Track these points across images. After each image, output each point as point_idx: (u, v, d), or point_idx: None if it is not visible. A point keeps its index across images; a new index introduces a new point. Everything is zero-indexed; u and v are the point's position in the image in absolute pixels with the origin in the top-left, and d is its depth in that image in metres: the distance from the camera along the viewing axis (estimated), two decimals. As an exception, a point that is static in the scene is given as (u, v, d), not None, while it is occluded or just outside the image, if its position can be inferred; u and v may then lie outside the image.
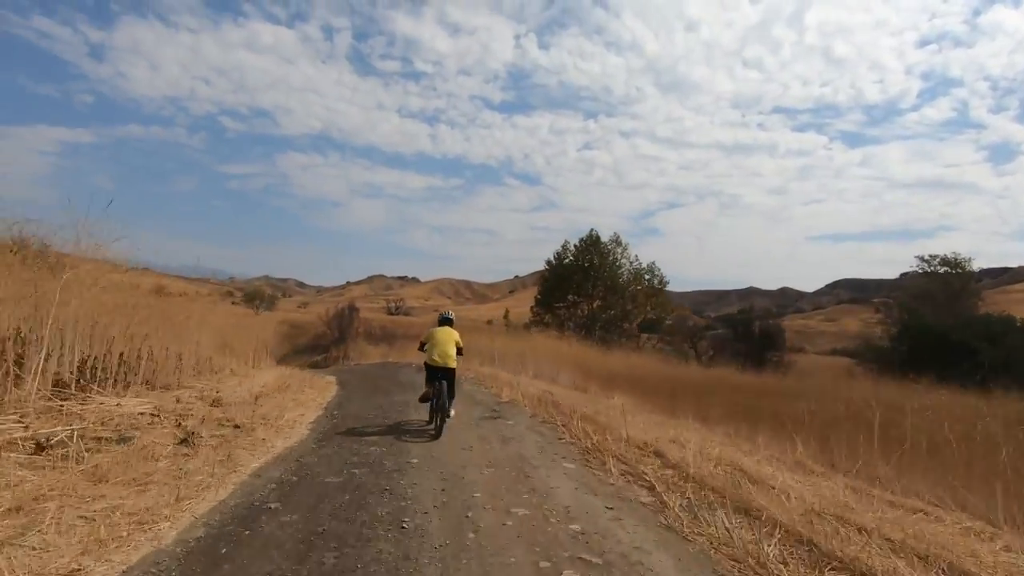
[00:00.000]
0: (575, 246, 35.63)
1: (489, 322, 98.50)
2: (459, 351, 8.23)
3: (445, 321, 8.66)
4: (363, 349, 30.82)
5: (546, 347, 19.31)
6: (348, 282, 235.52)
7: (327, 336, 57.70)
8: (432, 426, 7.82)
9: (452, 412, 8.26)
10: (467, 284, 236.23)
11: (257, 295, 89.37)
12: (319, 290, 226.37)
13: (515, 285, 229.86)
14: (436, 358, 7.93)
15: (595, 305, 33.95)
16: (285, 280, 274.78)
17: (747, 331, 31.31)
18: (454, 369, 8.11)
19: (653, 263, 34.58)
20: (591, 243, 34.46)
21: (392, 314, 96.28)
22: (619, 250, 34.26)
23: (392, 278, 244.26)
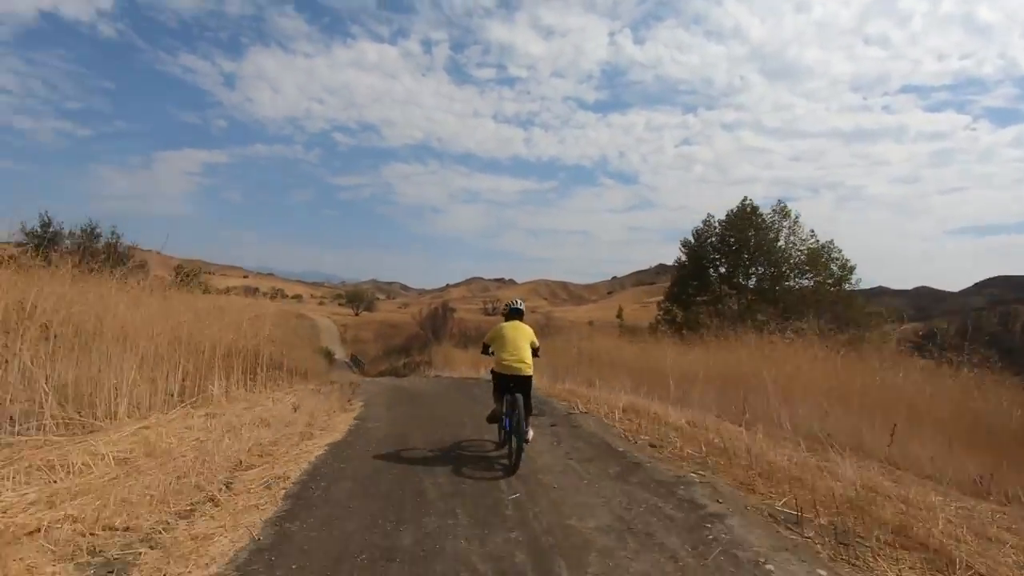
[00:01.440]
0: (720, 222, 26.68)
1: (590, 323, 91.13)
2: (535, 352, 6.03)
3: (514, 313, 6.32)
4: (450, 355, 23.96)
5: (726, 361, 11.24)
6: (447, 284, 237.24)
7: (421, 337, 52.63)
8: (504, 452, 5.74)
9: (530, 433, 5.80)
10: (563, 285, 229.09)
11: (358, 296, 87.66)
12: (421, 292, 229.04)
13: (613, 286, 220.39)
14: (507, 362, 5.79)
15: (749, 297, 24.81)
16: (391, 283, 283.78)
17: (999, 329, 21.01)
18: (531, 377, 5.86)
19: (831, 242, 24.84)
20: (746, 214, 25.51)
21: (489, 314, 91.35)
22: (786, 223, 25.05)
23: (489, 280, 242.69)
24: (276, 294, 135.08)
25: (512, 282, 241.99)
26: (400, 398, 11.16)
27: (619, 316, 56.78)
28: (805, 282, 25.26)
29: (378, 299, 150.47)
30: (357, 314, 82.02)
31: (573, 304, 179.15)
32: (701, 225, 27.41)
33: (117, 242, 29.93)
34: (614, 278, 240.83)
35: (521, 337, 5.93)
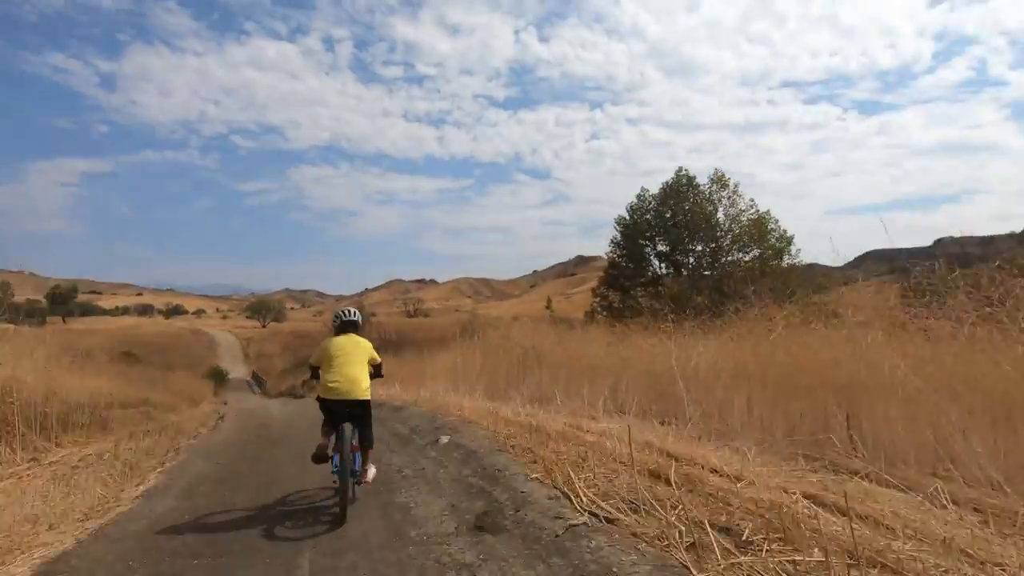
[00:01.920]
0: (655, 196, 24.21)
1: (515, 318, 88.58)
2: (375, 372, 4.79)
3: (348, 326, 4.79)
4: None
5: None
6: (366, 289, 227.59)
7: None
8: (335, 500, 4.43)
9: (372, 472, 4.71)
10: (486, 282, 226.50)
11: (264, 307, 80.00)
12: (338, 299, 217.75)
13: (535, 280, 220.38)
14: (335, 385, 4.43)
15: (690, 271, 22.52)
16: (305, 291, 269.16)
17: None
18: (367, 402, 4.56)
19: (768, 212, 22.99)
20: (681, 185, 23.14)
21: (411, 316, 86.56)
22: (724, 193, 22.91)
23: (410, 282, 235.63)
24: (173, 311, 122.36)
25: (433, 282, 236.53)
26: (250, 442, 7.33)
27: (548, 307, 53.96)
28: (745, 257, 23.29)
29: (292, 309, 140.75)
30: (264, 326, 74.53)
31: (497, 300, 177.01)
32: (635, 201, 24.83)
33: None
34: (535, 272, 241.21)
35: (355, 353, 4.64)
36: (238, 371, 45.17)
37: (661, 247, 24.30)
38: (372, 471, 4.74)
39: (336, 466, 4.37)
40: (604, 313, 25.26)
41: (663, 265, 24.66)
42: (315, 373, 4.81)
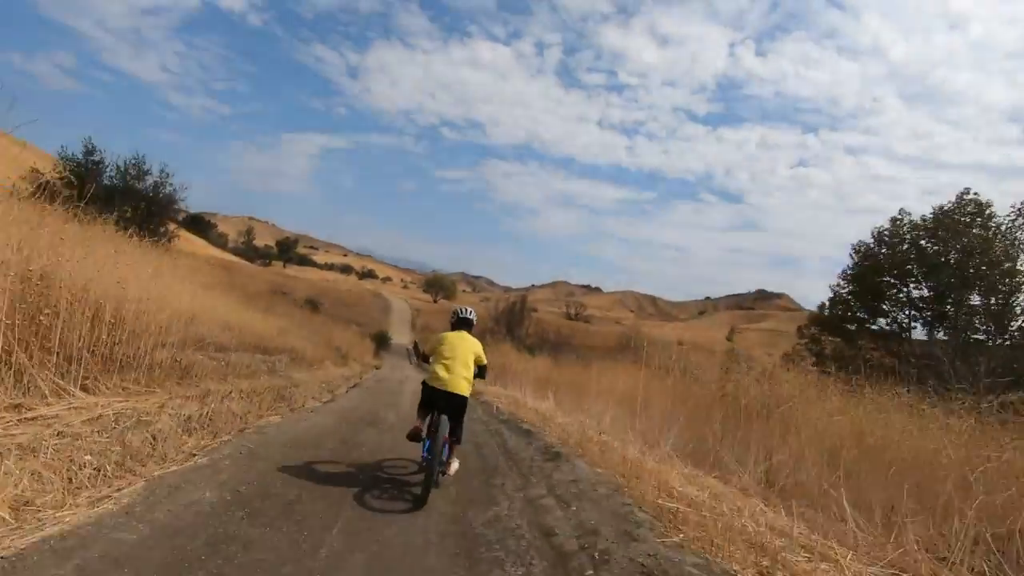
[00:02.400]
0: (919, 222, 18.12)
1: (680, 343, 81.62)
2: (480, 372, 5.00)
3: (462, 323, 5.13)
4: (509, 362, 17.32)
5: None
6: (532, 284, 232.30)
7: (493, 332, 47.05)
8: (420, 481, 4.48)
9: (455, 466, 4.93)
10: (652, 299, 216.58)
11: (437, 283, 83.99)
12: (506, 289, 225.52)
13: (705, 307, 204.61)
14: (441, 376, 4.63)
15: (954, 329, 16.40)
16: (479, 277, 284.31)
17: None
18: (466, 399, 4.73)
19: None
20: (965, 212, 16.84)
21: (570, 319, 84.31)
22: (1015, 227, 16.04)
23: (575, 285, 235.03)
24: (367, 274, 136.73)
25: (598, 289, 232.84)
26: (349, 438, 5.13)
27: (730, 338, 47.24)
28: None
29: (463, 291, 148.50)
30: (435, 301, 78.32)
31: (660, 319, 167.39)
32: (887, 225, 18.88)
33: (166, 182, 26.36)
34: (707, 298, 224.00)
35: (464, 350, 4.80)
36: (402, 337, 46.98)
37: (916, 291, 18.15)
38: (455, 464, 4.92)
39: (427, 451, 4.51)
40: (813, 360, 19.89)
41: (911, 314, 18.48)
42: (425, 359, 5.03)
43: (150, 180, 24.50)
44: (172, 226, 25.65)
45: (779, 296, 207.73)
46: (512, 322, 46.15)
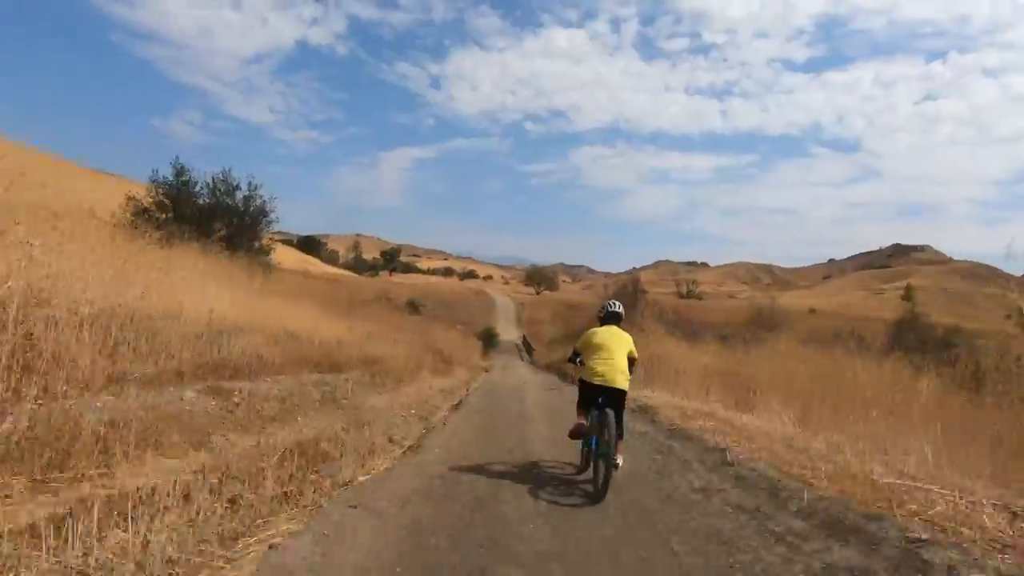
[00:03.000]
0: None
1: (812, 311, 71.93)
2: (631, 364, 4.93)
3: (611, 318, 5.18)
4: (664, 347, 13.37)
5: None
6: (634, 268, 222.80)
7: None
8: (589, 478, 4.63)
9: (620, 459, 4.64)
10: (767, 268, 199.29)
11: (538, 275, 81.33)
12: (607, 275, 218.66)
13: (830, 270, 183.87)
14: (600, 372, 4.71)
15: None
16: (578, 267, 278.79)
17: None
18: (625, 391, 4.79)
19: None
20: None
21: (683, 297, 77.74)
22: None
23: (679, 263, 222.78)
24: (468, 275, 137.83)
25: (705, 265, 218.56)
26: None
27: (907, 297, 39.26)
28: None
29: (564, 281, 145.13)
30: (538, 293, 75.63)
31: (780, 289, 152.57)
32: None
33: (255, 195, 25.55)
34: (831, 261, 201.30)
35: (618, 344, 4.86)
36: (510, 333, 44.49)
37: None
38: (621, 459, 4.72)
39: (594, 447, 4.58)
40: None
41: None
42: (576, 358, 5.11)
43: (240, 195, 23.69)
44: (266, 239, 24.65)
45: (920, 249, 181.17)
46: (625, 306, 41.89)
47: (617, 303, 5.37)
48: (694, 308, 50.48)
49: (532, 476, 4.83)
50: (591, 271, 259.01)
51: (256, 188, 23.88)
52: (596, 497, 4.25)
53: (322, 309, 14.33)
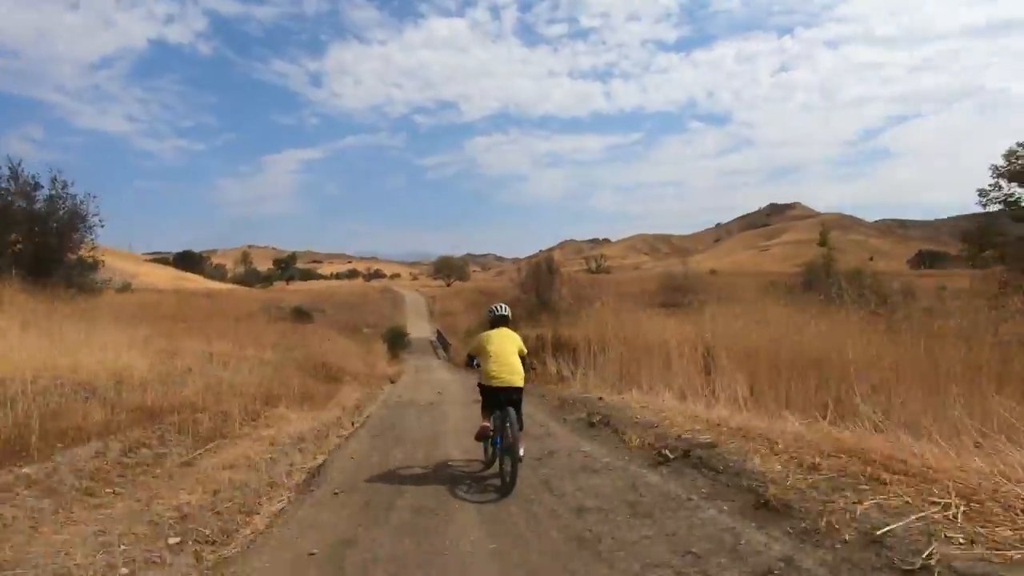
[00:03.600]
0: None
1: (713, 272, 74.39)
2: (524, 362, 5.16)
3: (500, 321, 5.35)
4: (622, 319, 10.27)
5: None
6: (540, 250, 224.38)
7: (525, 303, 40.40)
8: (497, 472, 4.87)
9: (521, 451, 4.84)
10: (664, 238, 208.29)
11: (447, 266, 77.39)
12: (515, 260, 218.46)
13: (719, 234, 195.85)
14: (496, 374, 4.89)
15: None
16: (485, 255, 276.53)
17: None
18: (522, 388, 5.01)
19: None
20: None
21: (593, 272, 77.34)
22: None
23: (583, 241, 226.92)
24: (373, 275, 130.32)
25: (607, 240, 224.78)
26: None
27: (823, 242, 39.52)
28: None
29: (474, 271, 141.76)
30: (448, 284, 71.77)
31: (678, 256, 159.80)
32: None
33: (64, 193, 19.31)
34: (718, 225, 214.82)
35: (509, 345, 5.08)
36: (422, 330, 40.48)
37: None
38: (522, 450, 4.87)
39: (499, 444, 4.78)
40: None
41: None
42: (473, 362, 5.24)
43: (41, 196, 17.71)
44: (86, 251, 18.70)
45: (791, 207, 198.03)
46: (541, 286, 39.43)
47: (503, 306, 5.65)
48: (607, 281, 49.17)
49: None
50: (498, 258, 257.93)
51: (65, 186, 18.05)
52: (505, 490, 4.46)
53: (167, 332, 10.01)
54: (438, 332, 39.78)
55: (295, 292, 54.17)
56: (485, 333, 5.20)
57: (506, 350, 4.96)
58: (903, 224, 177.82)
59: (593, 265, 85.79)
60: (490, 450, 5.07)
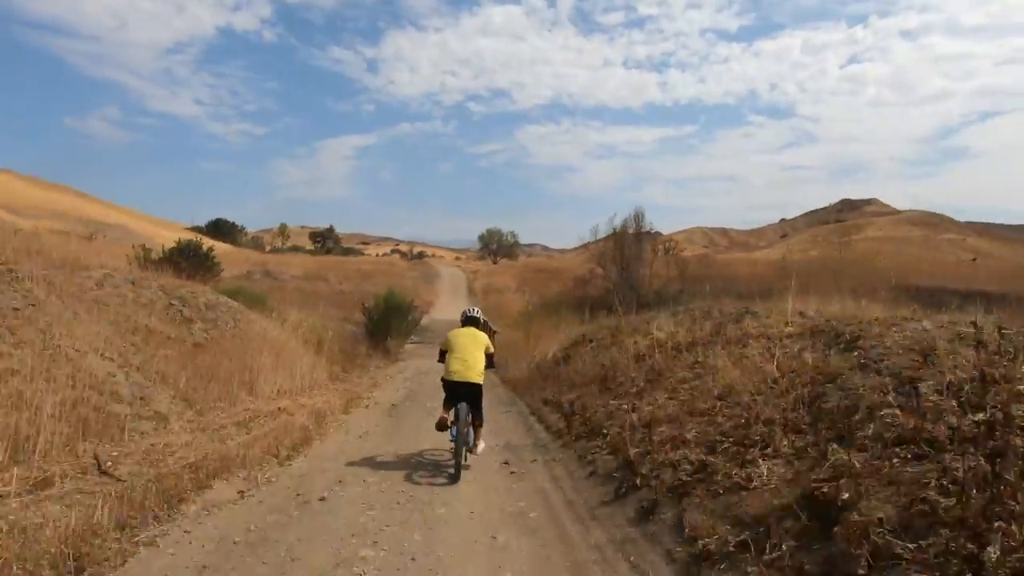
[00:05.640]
0: None
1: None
2: (489, 361, 5.62)
3: (469, 321, 5.88)
4: None
5: None
6: (587, 242, 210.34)
7: (595, 284, 28.50)
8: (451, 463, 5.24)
9: (481, 446, 5.64)
10: (723, 231, 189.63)
11: (493, 240, 65.88)
12: (562, 251, 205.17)
13: (784, 229, 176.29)
14: (456, 370, 5.32)
15: None
16: (532, 245, 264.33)
17: None
18: (480, 386, 5.41)
19: None
20: None
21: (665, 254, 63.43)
22: None
23: (635, 234, 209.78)
24: (416, 256, 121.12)
25: (658, 234, 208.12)
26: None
27: None
28: None
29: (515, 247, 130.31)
30: (495, 262, 60.49)
31: (738, 250, 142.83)
32: None
33: None
34: (782, 220, 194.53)
35: (473, 344, 5.47)
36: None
37: None
38: (482, 445, 5.61)
39: (453, 436, 5.20)
40: None
41: None
42: (442, 357, 5.56)
43: None
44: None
45: (868, 202, 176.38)
46: (627, 258, 27.20)
47: (475, 308, 6.14)
48: (713, 263, 36.12)
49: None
50: (546, 248, 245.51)
51: None
52: (454, 478, 4.92)
53: None
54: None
55: (314, 261, 43.70)
56: (453, 331, 5.63)
57: (470, 348, 5.36)
58: (994, 227, 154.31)
59: (661, 249, 72.20)
60: (451, 440, 5.34)
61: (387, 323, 16.10)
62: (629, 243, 28.28)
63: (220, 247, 51.35)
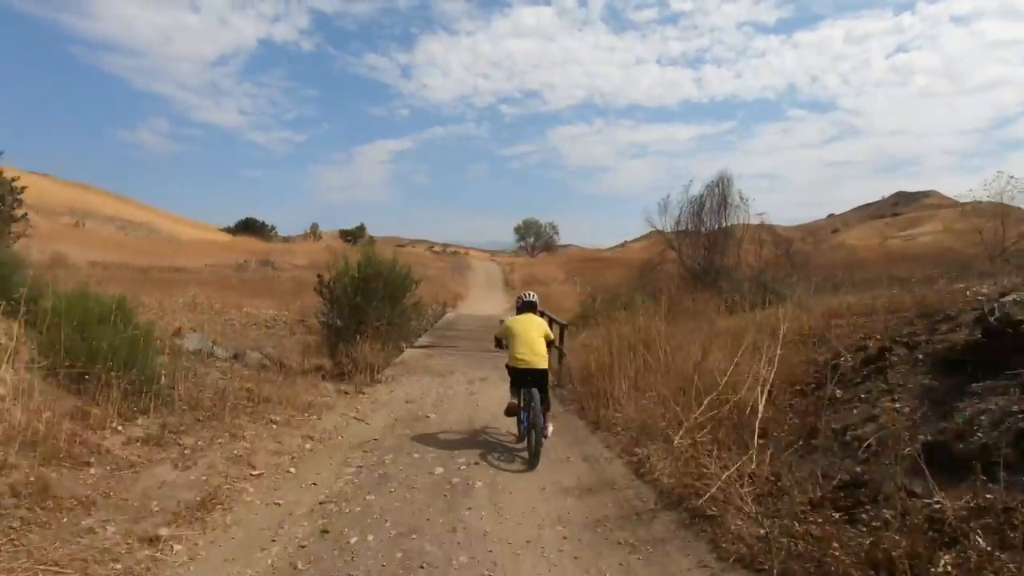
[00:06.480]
0: None
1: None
2: (550, 345, 5.55)
3: (526, 307, 5.76)
4: None
5: None
6: (626, 241, 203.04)
7: (665, 270, 23.69)
8: (524, 446, 5.22)
9: (550, 429, 5.39)
10: (767, 228, 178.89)
11: (531, 231, 61.68)
12: (598, 250, 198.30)
13: (835, 224, 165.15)
14: (522, 356, 5.25)
15: None
16: (567, 246, 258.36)
17: None
18: (546, 370, 5.35)
19: None
20: None
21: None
22: None
23: (672, 233, 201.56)
24: (451, 254, 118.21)
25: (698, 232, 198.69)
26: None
27: None
28: None
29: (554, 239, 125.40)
30: (533, 255, 55.93)
31: (800, 245, 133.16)
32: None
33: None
34: (831, 216, 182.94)
35: (534, 330, 5.41)
36: (490, 304, 24.33)
37: None
38: (550, 427, 5.38)
39: (525, 422, 5.18)
40: None
41: None
42: (499, 344, 5.64)
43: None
44: None
45: (926, 194, 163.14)
46: (717, 239, 22.08)
47: (531, 293, 5.99)
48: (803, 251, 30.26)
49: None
50: (581, 250, 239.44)
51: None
52: (532, 464, 4.84)
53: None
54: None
55: (323, 249, 40.15)
56: (512, 318, 5.61)
57: (531, 334, 5.31)
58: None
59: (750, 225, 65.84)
60: (520, 425, 5.39)
61: (364, 312, 9.03)
62: (717, 198, 22.82)
63: (221, 236, 48.20)
